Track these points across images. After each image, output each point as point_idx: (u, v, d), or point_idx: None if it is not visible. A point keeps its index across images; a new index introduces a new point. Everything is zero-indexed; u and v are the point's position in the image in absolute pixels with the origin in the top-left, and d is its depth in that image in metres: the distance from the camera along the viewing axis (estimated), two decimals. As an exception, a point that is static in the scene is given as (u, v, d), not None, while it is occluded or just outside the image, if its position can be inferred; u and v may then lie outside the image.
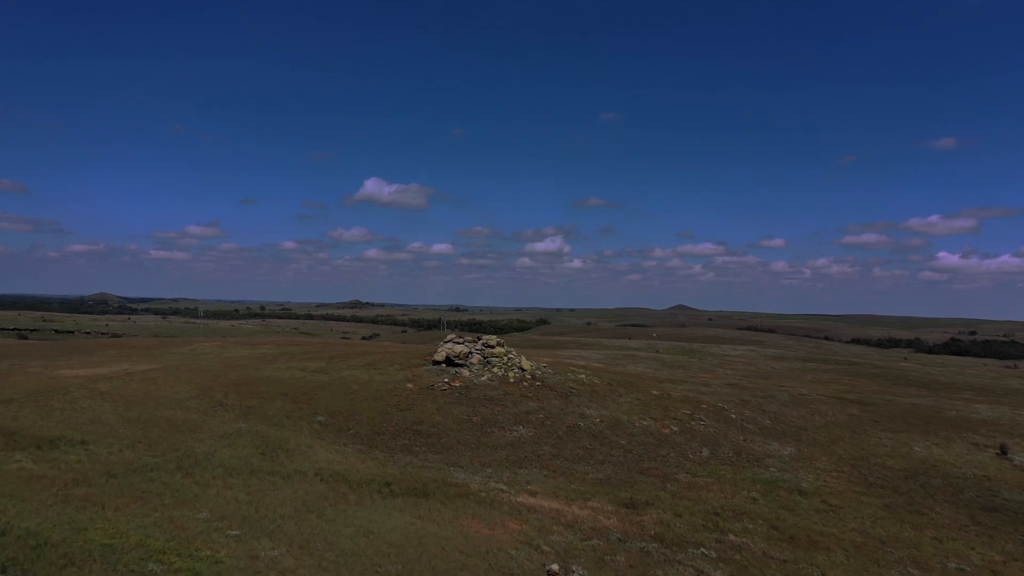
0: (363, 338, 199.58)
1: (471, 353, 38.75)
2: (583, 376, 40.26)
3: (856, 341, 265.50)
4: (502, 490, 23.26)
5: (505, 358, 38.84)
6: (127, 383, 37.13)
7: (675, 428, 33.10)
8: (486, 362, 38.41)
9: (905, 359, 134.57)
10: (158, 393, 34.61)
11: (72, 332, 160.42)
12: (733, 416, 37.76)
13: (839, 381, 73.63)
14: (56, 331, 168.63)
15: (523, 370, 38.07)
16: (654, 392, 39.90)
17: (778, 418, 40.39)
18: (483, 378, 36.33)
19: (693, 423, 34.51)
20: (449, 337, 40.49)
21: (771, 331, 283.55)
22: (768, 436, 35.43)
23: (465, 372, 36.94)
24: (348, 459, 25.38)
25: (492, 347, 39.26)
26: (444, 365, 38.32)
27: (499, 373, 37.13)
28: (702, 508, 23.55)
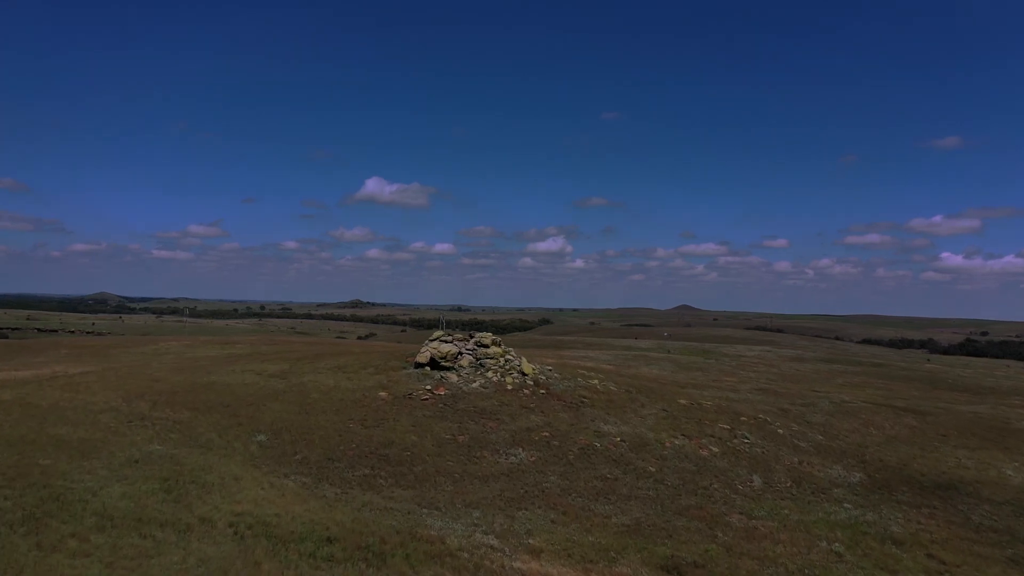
0: (359, 337, 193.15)
1: (461, 354, 32.01)
2: (596, 381, 33.51)
3: (867, 341, 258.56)
4: (493, 547, 16.52)
5: (502, 360, 32.10)
6: (41, 390, 30.49)
7: (715, 449, 26.31)
8: (479, 365, 31.67)
9: (928, 360, 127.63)
10: (72, 403, 27.96)
11: (56, 331, 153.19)
12: (780, 431, 30.98)
13: (873, 385, 66.75)
14: (39, 330, 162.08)
15: (524, 374, 31.32)
16: (682, 401, 33.12)
17: (830, 432, 33.61)
18: (474, 384, 29.59)
19: (735, 441, 27.72)
20: (436, 335, 33.76)
21: (779, 331, 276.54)
22: (826, 457, 28.65)
23: (452, 377, 30.20)
24: (284, 498, 18.65)
25: (486, 346, 32.51)
26: (428, 368, 31.60)
27: (494, 378, 30.38)
28: (774, 572, 16.80)
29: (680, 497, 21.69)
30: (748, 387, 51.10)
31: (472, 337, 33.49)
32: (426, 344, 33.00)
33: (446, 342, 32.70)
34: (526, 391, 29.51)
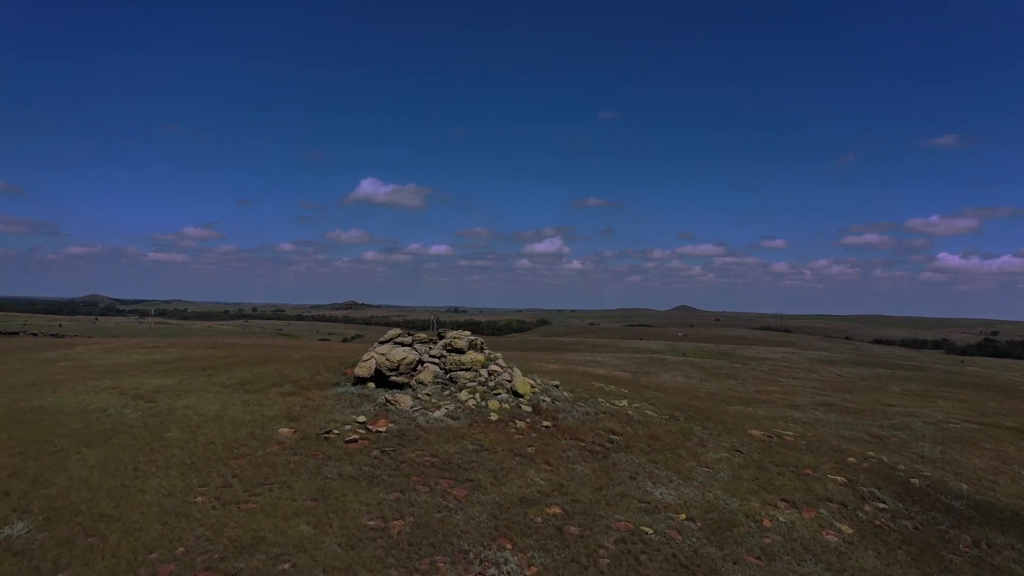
0: (344, 339, 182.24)
1: (420, 363, 21.06)
2: (624, 403, 22.56)
3: (879, 342, 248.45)
4: None
5: (484, 372, 21.11)
6: None
7: (845, 528, 15.34)
8: (448, 380, 20.72)
9: (962, 361, 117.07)
10: None
11: (17, 333, 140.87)
12: (914, 481, 20.02)
13: (939, 394, 55.76)
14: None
15: (517, 395, 20.34)
16: (754, 432, 22.15)
17: (967, 475, 22.71)
18: (437, 413, 18.60)
19: (868, 508, 16.74)
20: (388, 335, 22.77)
21: (788, 331, 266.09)
22: (1006, 529, 17.69)
23: (404, 401, 19.18)
24: None
25: (460, 352, 21.52)
26: (372, 385, 20.66)
27: (470, 402, 19.38)
28: None
29: (830, 659, 10.71)
30: (805, 401, 40.18)
31: (441, 338, 22.49)
32: (372, 349, 22.04)
33: (401, 345, 21.72)
34: (521, 423, 18.52)
